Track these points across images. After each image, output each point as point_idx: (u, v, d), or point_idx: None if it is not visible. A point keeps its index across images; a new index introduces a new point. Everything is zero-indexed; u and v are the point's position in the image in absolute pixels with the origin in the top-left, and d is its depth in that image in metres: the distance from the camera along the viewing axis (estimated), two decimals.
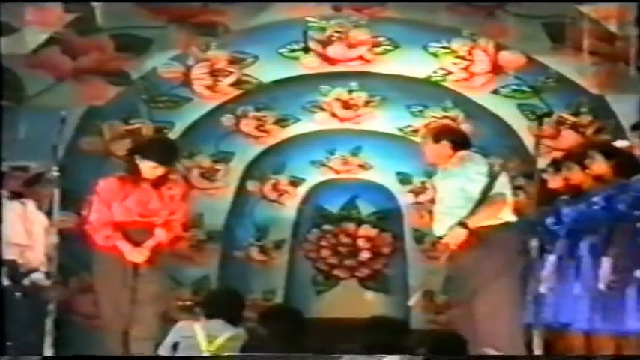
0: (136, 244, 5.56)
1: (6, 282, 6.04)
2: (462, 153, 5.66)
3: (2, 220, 5.90)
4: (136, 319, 5.54)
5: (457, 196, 5.54)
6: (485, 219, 5.50)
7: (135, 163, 5.64)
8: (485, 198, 5.52)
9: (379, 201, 8.62)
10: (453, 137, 5.75)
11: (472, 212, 5.47)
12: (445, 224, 5.57)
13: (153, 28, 7.07)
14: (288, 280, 8.50)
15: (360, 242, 8.63)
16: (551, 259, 5.78)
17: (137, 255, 5.55)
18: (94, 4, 6.68)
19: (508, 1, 7.04)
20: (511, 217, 5.64)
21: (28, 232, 6.45)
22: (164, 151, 5.73)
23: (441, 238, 5.64)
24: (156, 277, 5.62)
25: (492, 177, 5.58)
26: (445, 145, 5.67)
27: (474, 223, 5.46)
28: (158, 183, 5.67)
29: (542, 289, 5.45)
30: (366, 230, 8.53)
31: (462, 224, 5.47)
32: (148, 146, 5.81)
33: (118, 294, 5.54)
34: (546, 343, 5.22)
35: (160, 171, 5.62)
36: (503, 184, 5.62)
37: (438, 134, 5.75)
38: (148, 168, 5.61)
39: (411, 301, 6.04)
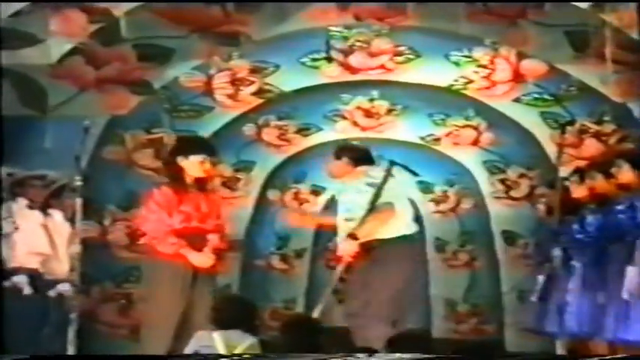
0: (198, 249, 5.55)
1: (28, 290, 6.07)
2: (361, 168, 5.82)
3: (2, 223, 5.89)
4: (193, 325, 5.50)
5: (352, 208, 5.63)
6: (374, 228, 5.59)
7: (179, 167, 5.61)
8: (372, 208, 5.60)
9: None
10: (353, 154, 5.93)
11: (361, 223, 5.55)
12: (341, 236, 5.66)
13: (175, 38, 7.09)
14: (309, 288, 8.50)
15: None
16: (577, 268, 5.75)
17: (204, 260, 5.54)
18: (118, 14, 6.71)
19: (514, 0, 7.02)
20: (408, 229, 5.70)
21: (51, 242, 6.48)
22: (204, 144, 5.78)
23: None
24: (214, 281, 5.65)
25: (379, 187, 5.68)
26: (345, 161, 5.92)
27: (363, 233, 5.54)
28: (203, 187, 5.66)
29: (568, 297, 5.43)
30: None
31: (351, 235, 5.56)
32: (187, 144, 5.82)
33: (176, 301, 5.51)
34: (570, 352, 5.20)
35: (207, 165, 5.60)
36: (394, 195, 5.69)
37: (339, 152, 5.90)
38: (196, 164, 5.56)
39: (315, 312, 6.05)
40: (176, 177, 5.62)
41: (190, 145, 5.73)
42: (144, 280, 5.77)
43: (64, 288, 6.22)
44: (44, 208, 6.49)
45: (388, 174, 5.94)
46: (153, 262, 5.66)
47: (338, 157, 5.90)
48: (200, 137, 6.02)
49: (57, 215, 6.50)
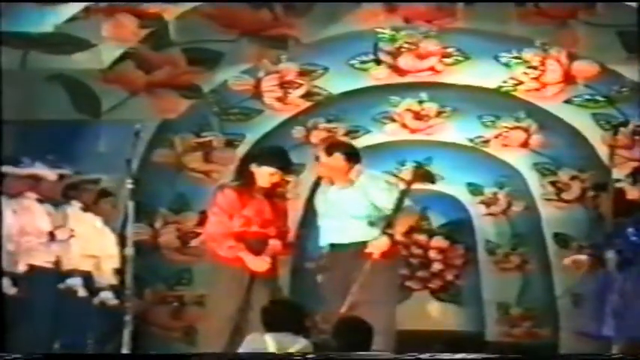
0: (256, 253, 5.60)
1: (83, 293, 6.13)
2: (359, 166, 5.74)
3: (2, 220, 5.92)
4: (249, 328, 5.51)
5: (364, 206, 5.55)
6: (402, 231, 5.57)
7: (251, 172, 5.67)
8: (399, 209, 5.54)
9: (450, 212, 8.58)
10: (346, 150, 5.80)
11: (390, 224, 5.50)
12: (351, 234, 5.56)
13: (224, 42, 7.12)
14: None
15: (432, 254, 8.59)
16: (632, 270, 5.68)
17: (260, 264, 5.58)
18: (168, 18, 6.76)
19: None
20: None
21: (99, 246, 6.55)
22: (281, 157, 5.77)
23: (341, 245, 5.61)
24: (272, 286, 5.68)
25: (403, 191, 5.64)
26: (338, 157, 5.72)
27: (398, 233, 5.52)
28: (270, 193, 5.70)
29: (623, 301, 5.37)
30: (437, 242, 8.47)
31: (388, 234, 5.50)
32: (264, 153, 5.86)
33: (232, 303, 5.56)
34: (626, 356, 5.15)
35: (276, 178, 5.66)
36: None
37: (331, 147, 5.80)
38: (266, 174, 5.61)
39: (343, 308, 6.02)
40: (246, 181, 5.67)
41: (268, 156, 5.76)
42: (199, 282, 5.77)
43: (107, 296, 6.27)
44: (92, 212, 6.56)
45: (416, 176, 5.91)
46: (210, 265, 5.68)
47: (329, 153, 5.79)
48: (281, 149, 6.04)
49: (97, 221, 6.56)
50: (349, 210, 5.66)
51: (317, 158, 5.85)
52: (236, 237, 5.56)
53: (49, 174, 6.06)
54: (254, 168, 5.64)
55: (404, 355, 4.96)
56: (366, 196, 5.63)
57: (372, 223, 5.65)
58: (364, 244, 5.59)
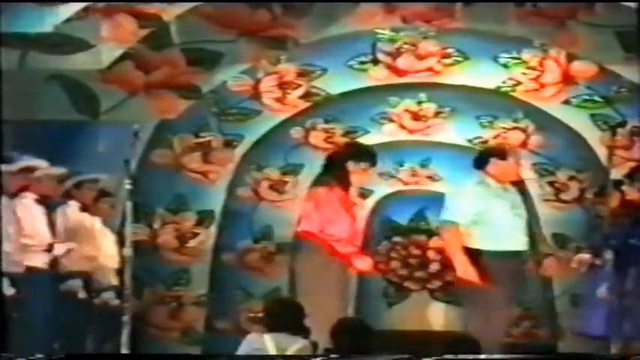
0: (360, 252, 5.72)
1: (83, 294, 6.14)
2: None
3: (2, 220, 5.94)
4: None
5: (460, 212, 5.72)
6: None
7: (347, 170, 5.72)
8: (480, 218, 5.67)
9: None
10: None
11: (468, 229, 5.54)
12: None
13: (223, 42, 7.12)
14: (358, 292, 8.49)
15: (431, 254, 8.59)
16: (631, 272, 5.69)
17: (364, 263, 5.66)
18: (167, 18, 6.76)
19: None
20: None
21: (98, 246, 6.54)
22: (373, 154, 5.96)
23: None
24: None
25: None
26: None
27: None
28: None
29: (621, 301, 5.38)
30: (436, 242, 8.47)
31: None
32: (359, 150, 6.00)
33: (338, 300, 5.66)
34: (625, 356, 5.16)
35: (367, 175, 5.76)
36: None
37: (505, 151, 5.87)
38: (361, 171, 5.73)
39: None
40: (343, 178, 5.79)
41: (359, 153, 5.94)
42: (198, 282, 5.81)
43: (109, 296, 6.27)
44: (90, 212, 6.55)
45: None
46: (314, 261, 5.71)
47: (504, 157, 5.92)
48: (371, 147, 6.18)
49: (96, 222, 6.56)
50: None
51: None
52: (342, 234, 5.68)
53: (41, 164, 6.04)
54: (351, 166, 5.68)
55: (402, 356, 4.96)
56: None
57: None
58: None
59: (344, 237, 5.68)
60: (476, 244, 5.66)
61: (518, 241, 5.76)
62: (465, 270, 5.53)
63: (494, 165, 5.86)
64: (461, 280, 5.62)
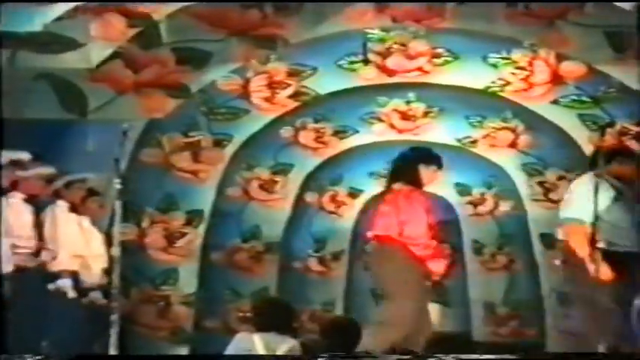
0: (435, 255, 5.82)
1: (72, 294, 6.12)
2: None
3: (1, 219, 5.92)
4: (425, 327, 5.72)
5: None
6: None
7: (418, 173, 5.82)
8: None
9: (437, 212, 8.58)
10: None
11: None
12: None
13: (213, 42, 7.11)
14: (347, 291, 8.51)
15: None
16: None
17: (439, 265, 5.73)
18: (157, 17, 6.74)
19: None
20: None
21: (88, 245, 6.53)
22: (439, 156, 6.13)
23: None
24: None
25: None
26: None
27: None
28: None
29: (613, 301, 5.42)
30: None
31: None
32: (428, 154, 6.17)
33: (416, 303, 5.73)
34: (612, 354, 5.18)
35: (437, 176, 5.84)
36: None
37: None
38: (431, 173, 5.94)
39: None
40: (416, 181, 5.96)
41: (432, 156, 6.13)
42: (185, 282, 5.81)
43: (96, 296, 6.26)
44: (77, 211, 6.54)
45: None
46: (401, 264, 5.76)
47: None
48: (434, 151, 6.37)
49: (85, 221, 6.54)
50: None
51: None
52: (426, 236, 5.82)
53: (24, 156, 6.02)
54: (422, 168, 5.75)
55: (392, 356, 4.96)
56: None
57: None
58: None
59: (421, 239, 5.78)
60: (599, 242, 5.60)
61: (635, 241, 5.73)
62: (598, 269, 5.45)
63: (618, 163, 5.85)
64: (595, 279, 5.51)
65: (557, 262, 6.50)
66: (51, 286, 6.04)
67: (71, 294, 6.11)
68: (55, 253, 6.07)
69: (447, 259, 6.00)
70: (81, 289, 6.22)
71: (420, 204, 5.94)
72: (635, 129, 7.64)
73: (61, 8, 6.35)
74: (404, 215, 5.87)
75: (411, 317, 5.73)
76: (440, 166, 6.13)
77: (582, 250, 5.59)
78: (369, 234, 6.18)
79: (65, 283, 6.12)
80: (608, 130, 7.21)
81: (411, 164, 6.07)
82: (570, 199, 5.85)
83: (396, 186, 6.04)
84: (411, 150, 6.40)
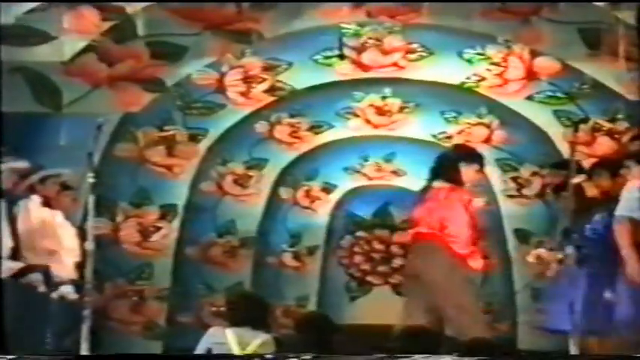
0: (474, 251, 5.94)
1: (43, 288, 6.09)
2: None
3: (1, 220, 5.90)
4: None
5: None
6: None
7: (459, 171, 5.92)
8: None
9: (412, 207, 8.60)
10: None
11: None
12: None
13: (188, 36, 7.09)
14: (321, 286, 8.51)
15: (394, 249, 8.63)
16: (590, 266, 5.76)
17: (478, 263, 5.77)
18: (132, 11, 6.72)
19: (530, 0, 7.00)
20: None
21: (60, 239, 6.49)
22: (481, 155, 6.30)
23: None
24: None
25: None
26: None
27: None
28: None
29: (580, 295, 5.44)
30: (400, 237, 8.51)
31: None
32: (470, 153, 6.30)
33: (471, 297, 5.84)
34: (583, 350, 5.22)
35: (478, 174, 5.92)
36: None
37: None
38: (473, 172, 6.02)
39: None
40: (458, 180, 6.07)
41: (472, 155, 6.27)
42: (160, 276, 5.79)
43: (67, 290, 6.23)
44: (49, 206, 6.50)
45: None
46: (439, 263, 5.84)
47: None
48: (478, 151, 6.59)
49: (58, 215, 6.51)
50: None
51: None
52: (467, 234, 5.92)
53: None
54: (463, 167, 5.79)
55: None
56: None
57: None
58: None
59: (463, 236, 5.82)
60: None
61: None
62: (634, 268, 5.44)
63: None
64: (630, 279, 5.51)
65: (531, 258, 6.55)
66: (22, 281, 6.00)
67: (42, 288, 6.06)
68: (25, 248, 6.03)
69: (486, 256, 6.02)
70: (52, 284, 6.18)
71: (461, 202, 5.99)
72: (608, 125, 7.70)
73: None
74: (446, 212, 5.93)
75: (451, 312, 5.81)
76: (482, 165, 6.23)
77: (624, 247, 5.55)
78: (411, 231, 6.23)
79: (36, 278, 6.08)
80: (582, 126, 7.27)
81: (452, 163, 6.15)
82: (627, 195, 5.79)
83: (436, 184, 6.09)
84: (454, 148, 6.48)
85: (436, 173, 6.25)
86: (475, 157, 6.26)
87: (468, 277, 6.02)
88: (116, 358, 5.93)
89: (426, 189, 6.34)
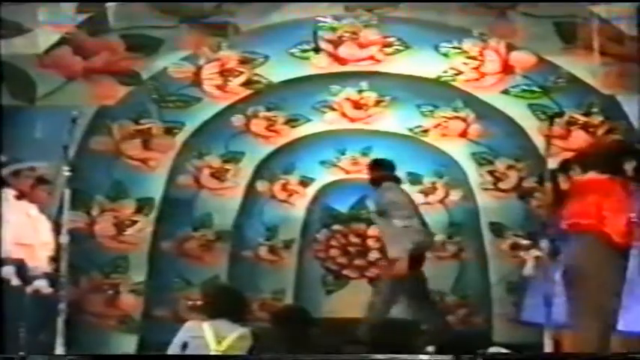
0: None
1: (16, 281, 6.05)
2: None
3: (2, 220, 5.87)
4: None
5: None
6: None
7: (622, 165, 5.89)
8: None
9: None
10: None
11: None
12: None
13: (164, 28, 7.06)
14: (297, 280, 8.52)
15: (370, 242, 8.64)
16: (564, 259, 5.78)
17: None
18: (107, 4, 6.68)
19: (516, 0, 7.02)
20: None
21: (35, 233, 6.45)
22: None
23: None
24: None
25: None
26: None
27: None
28: None
29: (554, 289, 5.46)
30: (375, 230, 8.52)
31: None
32: (631, 149, 6.16)
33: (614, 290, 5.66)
34: (557, 343, 5.25)
35: (634, 170, 5.96)
36: None
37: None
38: (631, 170, 5.90)
39: None
40: (619, 173, 5.89)
41: (633, 151, 6.09)
42: (135, 269, 5.76)
43: (41, 284, 6.20)
44: (25, 199, 6.46)
45: None
46: (597, 255, 5.71)
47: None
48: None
49: (33, 209, 6.48)
50: None
51: None
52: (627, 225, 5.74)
53: None
54: (627, 164, 5.89)
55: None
56: None
57: None
58: None
59: (621, 227, 5.79)
60: None
61: None
62: None
63: None
64: None
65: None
66: None
67: (15, 282, 6.03)
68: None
69: None
70: (26, 278, 6.15)
71: (623, 193, 5.96)
72: (583, 119, 7.73)
73: None
74: (609, 204, 5.89)
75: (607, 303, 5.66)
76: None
77: None
78: (567, 222, 6.17)
79: (8, 271, 6.04)
80: (557, 120, 7.30)
81: (615, 156, 6.05)
82: None
83: (591, 174, 6.06)
84: (616, 142, 6.41)
85: (589, 164, 6.18)
86: (636, 154, 6.09)
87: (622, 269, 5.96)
88: (116, 358, 5.92)
89: (579, 180, 6.27)
